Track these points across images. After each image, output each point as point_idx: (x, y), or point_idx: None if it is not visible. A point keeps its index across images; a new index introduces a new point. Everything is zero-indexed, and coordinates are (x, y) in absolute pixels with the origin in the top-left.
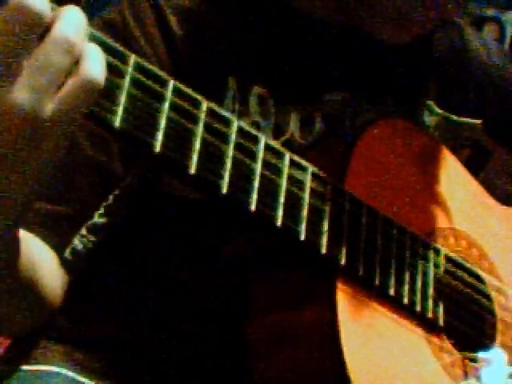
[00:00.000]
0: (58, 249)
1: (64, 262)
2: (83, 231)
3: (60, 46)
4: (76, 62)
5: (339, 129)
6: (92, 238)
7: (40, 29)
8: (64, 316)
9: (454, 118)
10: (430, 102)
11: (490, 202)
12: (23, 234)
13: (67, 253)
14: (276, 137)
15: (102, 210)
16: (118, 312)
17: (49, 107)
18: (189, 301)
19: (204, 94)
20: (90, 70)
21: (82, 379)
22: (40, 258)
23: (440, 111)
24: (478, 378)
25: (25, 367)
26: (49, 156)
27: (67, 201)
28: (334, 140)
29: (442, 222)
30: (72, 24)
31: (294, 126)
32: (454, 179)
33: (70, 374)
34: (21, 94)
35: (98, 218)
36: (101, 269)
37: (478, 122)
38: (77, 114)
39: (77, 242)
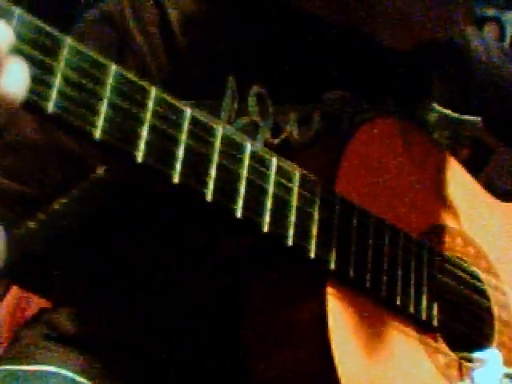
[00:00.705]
0: (10, 226)
1: (13, 239)
2: (41, 216)
3: None
4: None
5: (338, 128)
6: (52, 225)
7: None
8: (63, 316)
9: (455, 115)
10: (431, 101)
11: (490, 200)
12: None
13: (20, 231)
14: (274, 136)
15: (66, 200)
16: (116, 313)
17: None
18: (185, 301)
19: (203, 93)
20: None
21: (82, 379)
22: None
23: (440, 109)
24: (472, 379)
25: (25, 367)
26: None
27: (30, 182)
28: (332, 139)
29: (437, 220)
30: None
31: (292, 125)
32: (451, 177)
33: (70, 374)
34: None
35: (59, 206)
36: (98, 269)
37: (479, 119)
38: None
39: (32, 225)
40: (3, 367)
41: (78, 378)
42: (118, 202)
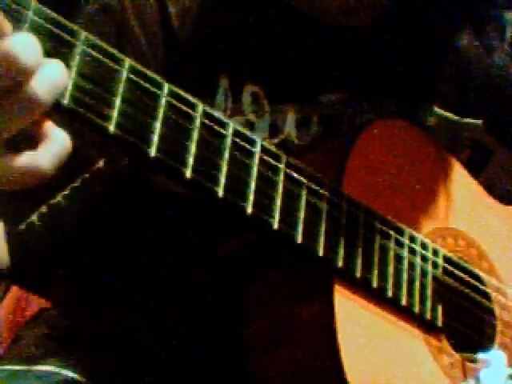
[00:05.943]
0: (13, 221)
1: (17, 235)
2: (43, 209)
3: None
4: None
5: (337, 130)
6: (53, 218)
7: None
8: (64, 316)
9: (455, 118)
10: (431, 103)
11: (490, 201)
12: None
13: (22, 225)
14: (272, 136)
15: (67, 191)
16: (117, 312)
17: None
18: (187, 300)
19: (198, 90)
20: (33, 89)
21: (82, 379)
22: None
23: (440, 111)
24: (477, 379)
25: (25, 367)
26: None
27: None
28: (332, 141)
29: (440, 222)
30: (20, 42)
31: (290, 126)
32: (453, 179)
33: (70, 374)
34: None
35: (61, 199)
36: (99, 268)
37: (479, 121)
38: (8, 128)
39: (34, 218)
40: (3, 367)
41: (79, 378)
42: (120, 197)
